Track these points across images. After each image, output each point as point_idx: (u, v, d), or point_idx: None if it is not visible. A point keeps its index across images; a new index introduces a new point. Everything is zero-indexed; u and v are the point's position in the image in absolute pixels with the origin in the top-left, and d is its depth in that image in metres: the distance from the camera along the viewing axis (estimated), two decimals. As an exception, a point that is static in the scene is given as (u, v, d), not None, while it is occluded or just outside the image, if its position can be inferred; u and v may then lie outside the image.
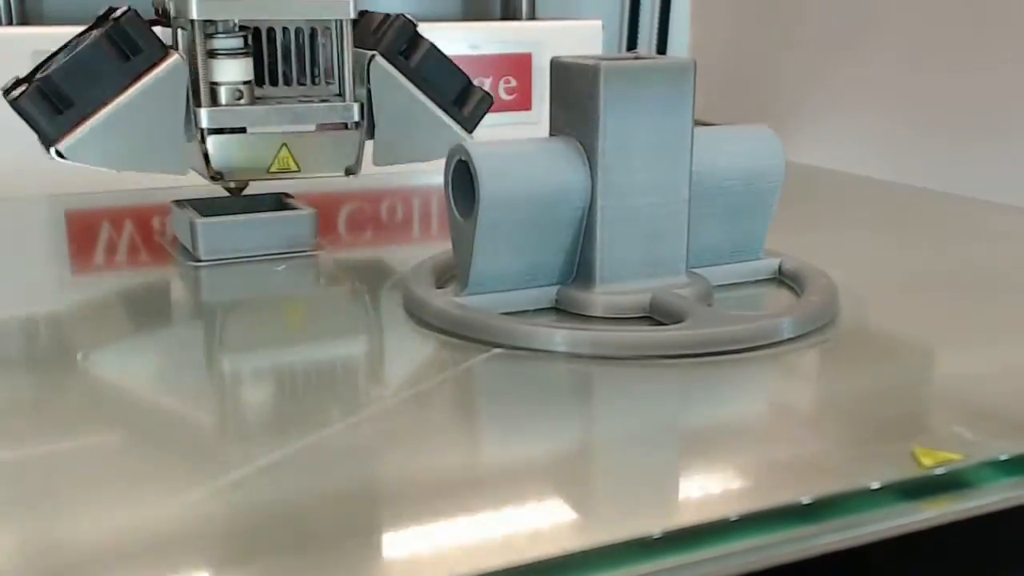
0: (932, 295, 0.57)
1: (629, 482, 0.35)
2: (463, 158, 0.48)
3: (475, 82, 0.65)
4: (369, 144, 0.65)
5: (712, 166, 0.52)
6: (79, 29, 0.62)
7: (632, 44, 1.38)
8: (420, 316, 0.50)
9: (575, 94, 0.49)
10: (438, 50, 0.65)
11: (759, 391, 0.44)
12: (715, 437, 0.39)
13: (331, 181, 0.65)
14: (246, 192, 0.66)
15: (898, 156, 1.11)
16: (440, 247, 0.55)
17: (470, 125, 0.67)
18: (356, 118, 0.64)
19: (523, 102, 1.15)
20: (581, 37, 1.24)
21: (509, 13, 1.30)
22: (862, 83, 1.15)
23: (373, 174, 0.67)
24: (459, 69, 0.66)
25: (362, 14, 0.67)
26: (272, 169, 0.64)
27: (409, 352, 0.48)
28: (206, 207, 0.64)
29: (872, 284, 0.57)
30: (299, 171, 0.64)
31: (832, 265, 0.55)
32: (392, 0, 1.17)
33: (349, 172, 0.65)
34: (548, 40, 1.19)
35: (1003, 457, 0.35)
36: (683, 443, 0.39)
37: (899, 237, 0.69)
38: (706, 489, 0.35)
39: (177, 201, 0.66)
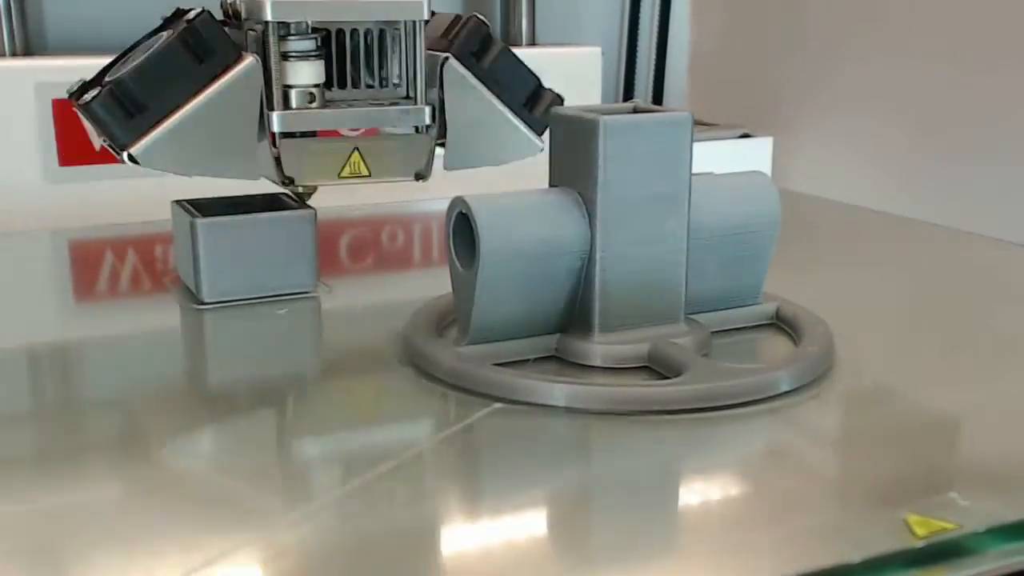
0: (928, 343, 0.56)
1: (625, 551, 0.35)
2: (464, 211, 0.48)
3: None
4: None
5: (710, 215, 0.52)
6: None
7: (632, 55, 1.38)
8: (422, 367, 0.50)
9: (575, 146, 0.49)
10: (510, 51, 0.64)
11: (756, 450, 0.45)
12: (711, 498, 0.40)
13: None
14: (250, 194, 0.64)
15: (897, 157, 1.11)
16: (441, 275, 0.54)
17: (540, 128, 0.65)
18: (427, 121, 0.62)
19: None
20: (581, 63, 1.25)
21: (509, 39, 1.29)
22: (862, 84, 1.16)
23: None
24: (530, 70, 0.65)
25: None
26: (343, 174, 0.62)
27: (409, 406, 0.48)
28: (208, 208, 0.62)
29: (868, 329, 0.57)
30: (370, 176, 0.63)
31: (827, 307, 0.55)
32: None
33: (419, 177, 0.64)
34: (548, 67, 1.19)
35: (987, 528, 0.35)
36: (680, 505, 0.40)
37: (896, 276, 0.68)
38: (700, 557, 0.35)
39: (177, 202, 0.64)
